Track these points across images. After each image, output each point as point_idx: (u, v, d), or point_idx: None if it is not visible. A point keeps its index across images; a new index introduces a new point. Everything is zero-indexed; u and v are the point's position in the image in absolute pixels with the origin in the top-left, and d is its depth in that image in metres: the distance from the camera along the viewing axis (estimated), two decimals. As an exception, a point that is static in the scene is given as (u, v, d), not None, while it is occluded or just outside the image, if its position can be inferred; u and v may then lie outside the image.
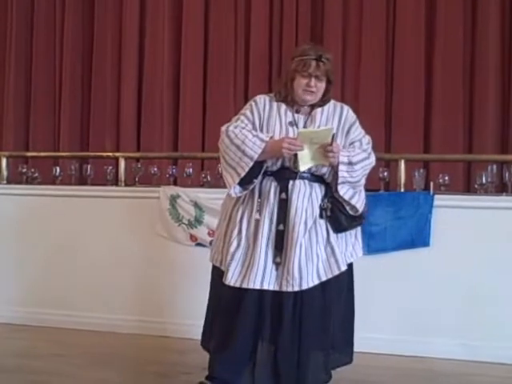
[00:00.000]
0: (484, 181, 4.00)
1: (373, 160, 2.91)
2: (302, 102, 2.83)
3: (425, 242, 3.85)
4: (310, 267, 2.69)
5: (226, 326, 2.75)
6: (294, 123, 2.80)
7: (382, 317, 3.86)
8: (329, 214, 2.76)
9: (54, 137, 5.67)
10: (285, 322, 2.68)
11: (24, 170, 4.91)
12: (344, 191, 2.76)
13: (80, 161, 4.98)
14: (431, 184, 3.97)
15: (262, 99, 2.89)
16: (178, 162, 4.97)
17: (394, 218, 3.92)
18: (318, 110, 2.86)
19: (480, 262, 3.77)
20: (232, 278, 2.72)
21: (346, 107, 2.94)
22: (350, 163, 2.74)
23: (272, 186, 2.77)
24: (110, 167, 4.69)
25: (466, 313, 3.75)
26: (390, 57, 4.90)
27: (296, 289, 2.67)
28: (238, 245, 2.76)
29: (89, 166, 4.76)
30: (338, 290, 2.82)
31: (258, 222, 2.73)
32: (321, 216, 2.76)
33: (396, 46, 4.89)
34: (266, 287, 2.69)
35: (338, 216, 2.77)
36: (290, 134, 2.76)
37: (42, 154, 5.22)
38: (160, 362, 3.55)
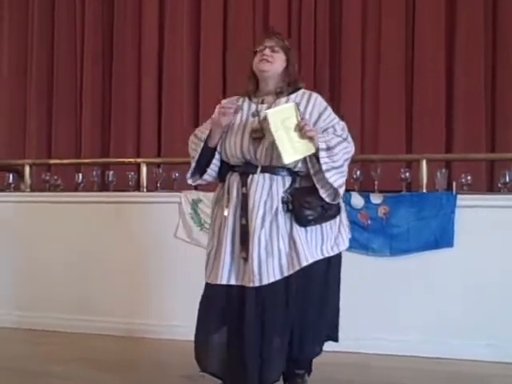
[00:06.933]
0: (507, 180, 3.97)
1: (352, 148, 2.78)
2: (260, 73, 2.82)
3: (448, 243, 3.82)
4: (270, 262, 2.64)
5: (200, 320, 2.78)
6: (256, 114, 2.76)
7: (406, 318, 3.83)
8: (290, 207, 2.67)
9: (76, 144, 5.73)
10: (247, 316, 2.65)
11: (47, 178, 4.97)
12: (334, 179, 2.65)
13: (102, 167, 5.01)
14: (454, 184, 3.94)
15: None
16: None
17: (416, 219, 3.89)
18: (283, 99, 2.78)
19: (504, 261, 3.74)
20: (208, 276, 2.78)
21: (314, 94, 2.82)
22: (328, 148, 2.65)
23: (235, 182, 2.76)
24: (132, 173, 4.73)
25: (491, 313, 3.71)
26: (410, 56, 4.87)
27: (256, 284, 2.63)
28: (213, 244, 2.81)
29: (111, 173, 4.78)
30: (312, 285, 2.72)
31: (226, 218, 2.75)
32: (283, 209, 2.68)
33: (416, 45, 4.86)
34: (232, 283, 2.69)
35: (300, 209, 2.66)
36: (249, 125, 2.75)
37: (65, 161, 5.27)
38: (182, 364, 3.51)
